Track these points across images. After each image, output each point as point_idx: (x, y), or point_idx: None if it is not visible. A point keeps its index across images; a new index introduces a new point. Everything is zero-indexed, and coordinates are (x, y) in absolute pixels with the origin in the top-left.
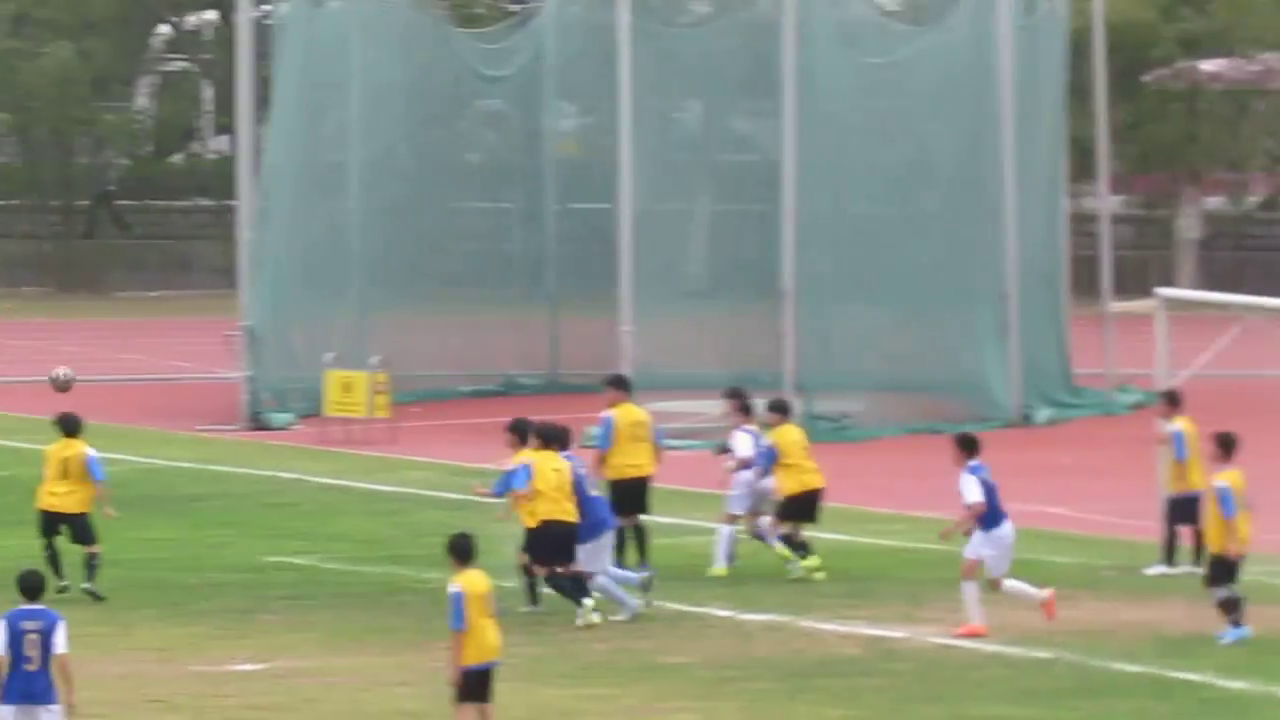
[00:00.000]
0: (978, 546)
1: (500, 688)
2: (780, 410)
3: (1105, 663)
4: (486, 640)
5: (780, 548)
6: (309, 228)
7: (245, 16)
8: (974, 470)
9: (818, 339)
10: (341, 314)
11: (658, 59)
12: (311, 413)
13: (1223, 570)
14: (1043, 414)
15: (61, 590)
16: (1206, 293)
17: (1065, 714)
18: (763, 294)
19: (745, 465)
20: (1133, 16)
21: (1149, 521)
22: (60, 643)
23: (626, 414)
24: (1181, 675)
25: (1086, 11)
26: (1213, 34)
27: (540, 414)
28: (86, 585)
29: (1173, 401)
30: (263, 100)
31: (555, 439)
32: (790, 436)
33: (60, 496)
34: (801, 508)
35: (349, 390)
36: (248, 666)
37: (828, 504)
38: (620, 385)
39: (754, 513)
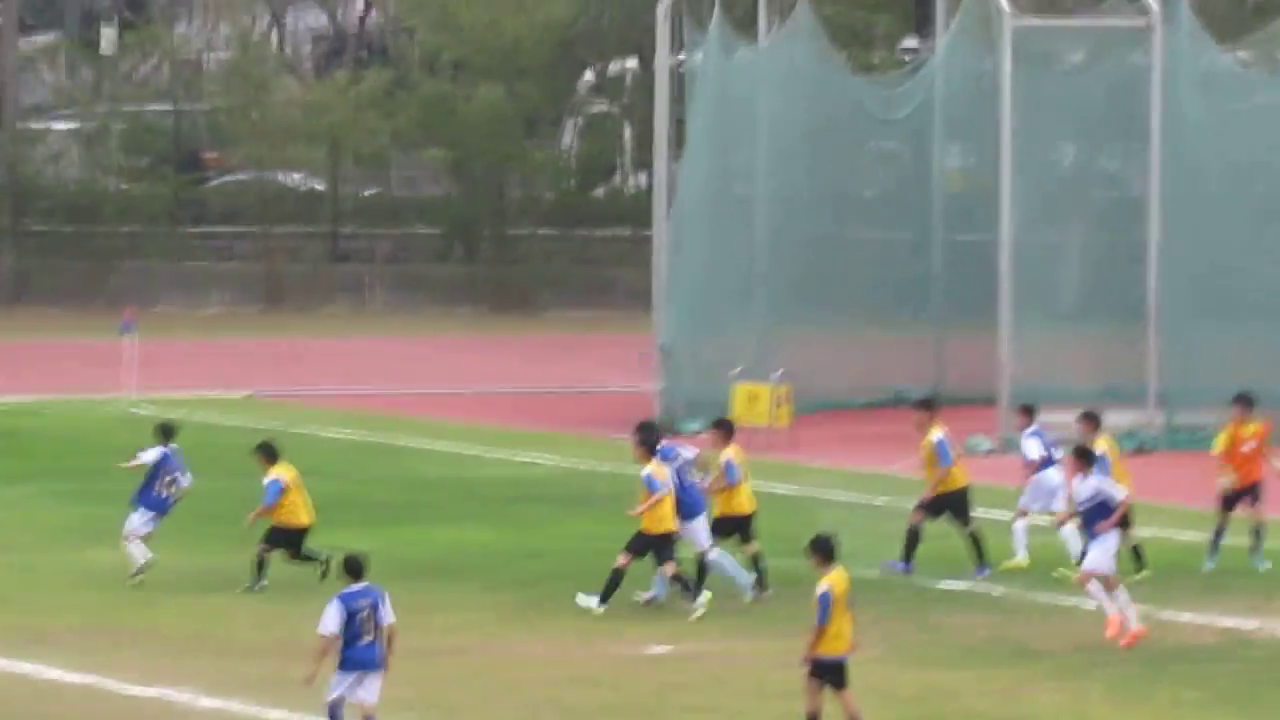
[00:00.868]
0: None
1: (889, 670)
2: (1090, 420)
3: None
4: (844, 634)
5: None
6: (718, 255)
7: (663, 64)
8: None
9: (1178, 356)
10: (747, 332)
11: (1036, 104)
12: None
13: None
14: None
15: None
16: None
17: None
18: (1128, 315)
19: (1043, 464)
20: None
21: None
22: (387, 614)
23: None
24: None
25: None
26: None
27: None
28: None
29: None
30: (677, 140)
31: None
32: (1102, 446)
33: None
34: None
35: (754, 401)
36: (660, 649)
37: (1185, 506)
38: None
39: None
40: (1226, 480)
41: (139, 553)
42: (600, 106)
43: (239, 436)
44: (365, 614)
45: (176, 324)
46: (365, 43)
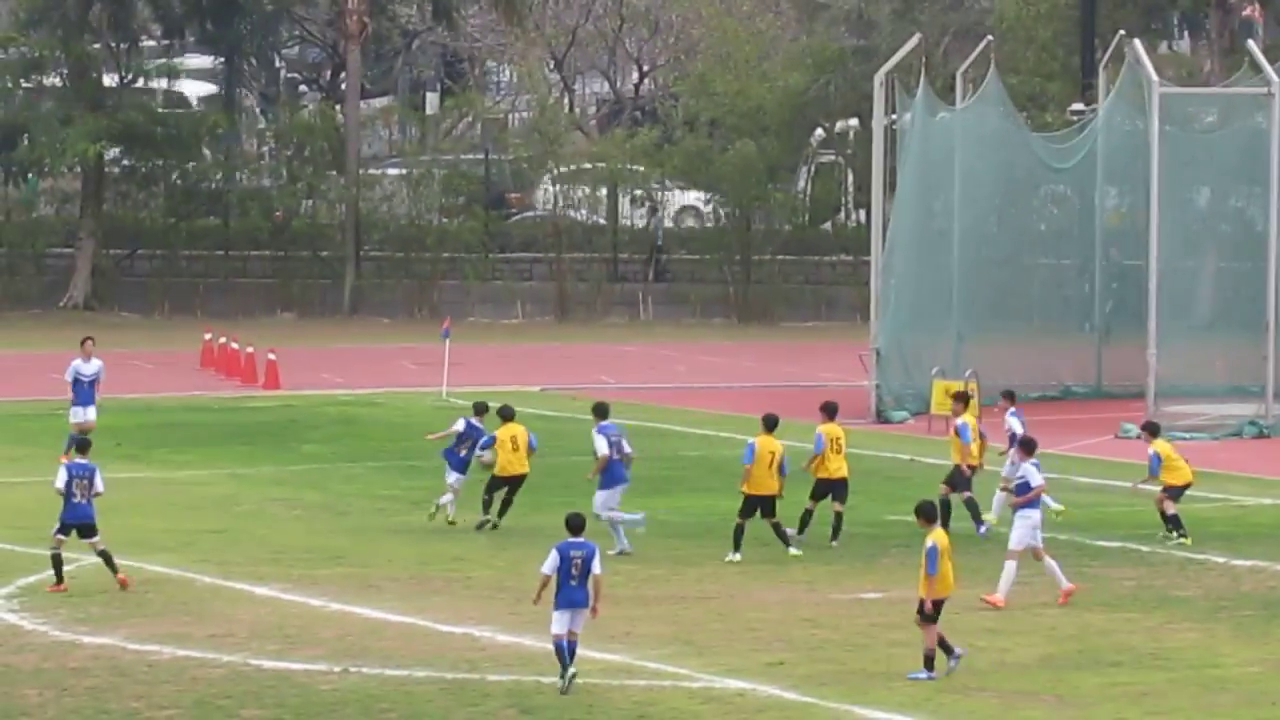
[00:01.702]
0: None
1: (1053, 613)
2: (1151, 430)
3: None
4: (948, 581)
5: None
6: (922, 277)
7: (879, 123)
8: None
9: None
10: (944, 339)
11: (1178, 156)
12: (921, 412)
13: None
14: None
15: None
16: None
17: None
18: (1252, 327)
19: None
20: None
21: None
22: (597, 565)
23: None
24: None
25: None
26: None
27: (1087, 415)
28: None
29: None
30: (890, 185)
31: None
32: (1164, 449)
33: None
34: (1176, 494)
35: (949, 395)
36: (872, 595)
37: None
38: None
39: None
40: None
41: (447, 500)
42: (828, 157)
43: (533, 422)
44: (577, 562)
45: (484, 332)
46: (639, 106)
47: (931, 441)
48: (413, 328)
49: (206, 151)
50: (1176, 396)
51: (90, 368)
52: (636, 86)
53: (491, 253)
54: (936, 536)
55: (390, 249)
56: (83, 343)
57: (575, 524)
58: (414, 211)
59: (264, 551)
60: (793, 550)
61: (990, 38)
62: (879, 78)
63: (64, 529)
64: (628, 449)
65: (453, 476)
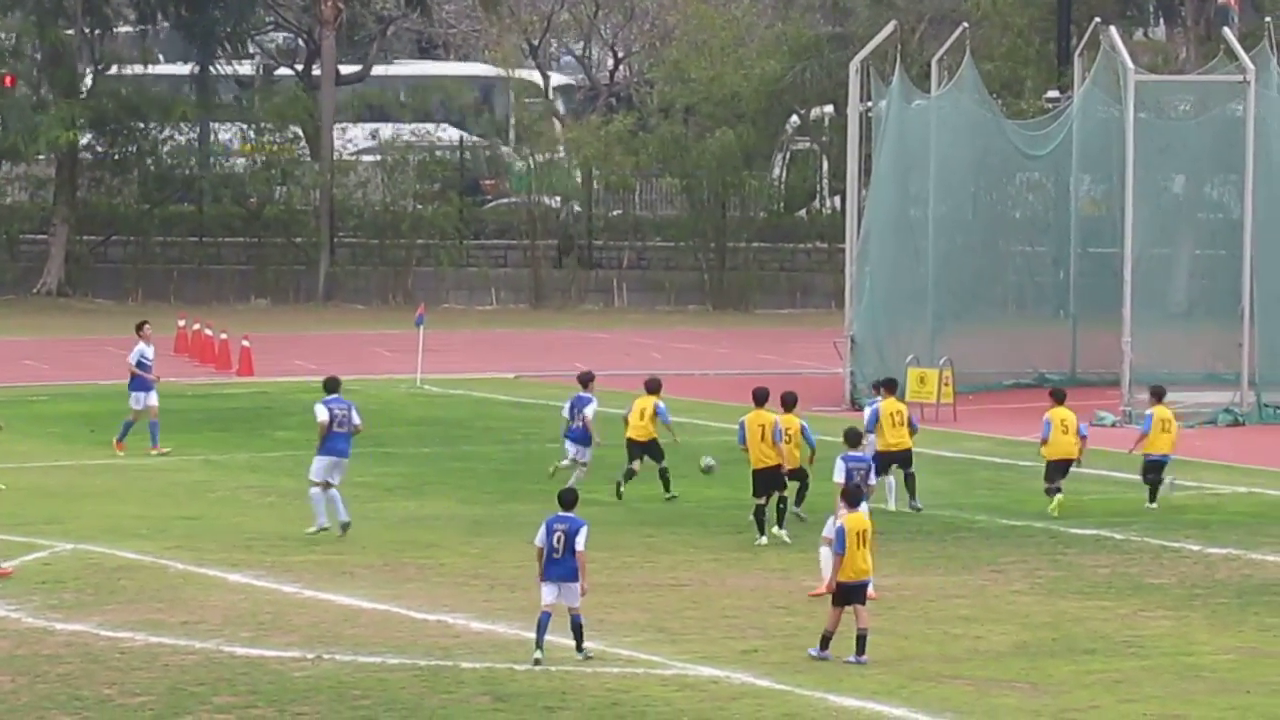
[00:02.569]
0: None
1: (1027, 600)
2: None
3: None
4: (855, 566)
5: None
6: (897, 265)
7: (854, 111)
8: None
9: (1267, 347)
10: (919, 326)
11: (1153, 143)
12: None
13: None
14: None
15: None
16: None
17: None
18: (1227, 314)
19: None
20: None
21: None
22: (580, 543)
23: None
24: None
25: None
26: None
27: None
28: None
29: None
30: (865, 172)
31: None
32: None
33: (639, 430)
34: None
35: (923, 382)
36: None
37: (1270, 468)
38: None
39: None
40: None
41: (577, 475)
42: (803, 144)
43: (508, 409)
44: (559, 535)
45: (459, 319)
46: (614, 93)
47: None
48: (387, 314)
49: (180, 138)
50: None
51: (152, 351)
52: (611, 73)
53: (466, 239)
54: (849, 519)
55: (365, 235)
56: (141, 327)
57: (565, 499)
58: (388, 198)
59: (237, 538)
60: (761, 540)
61: (966, 25)
62: (854, 65)
63: None
64: (356, 421)
65: (574, 449)
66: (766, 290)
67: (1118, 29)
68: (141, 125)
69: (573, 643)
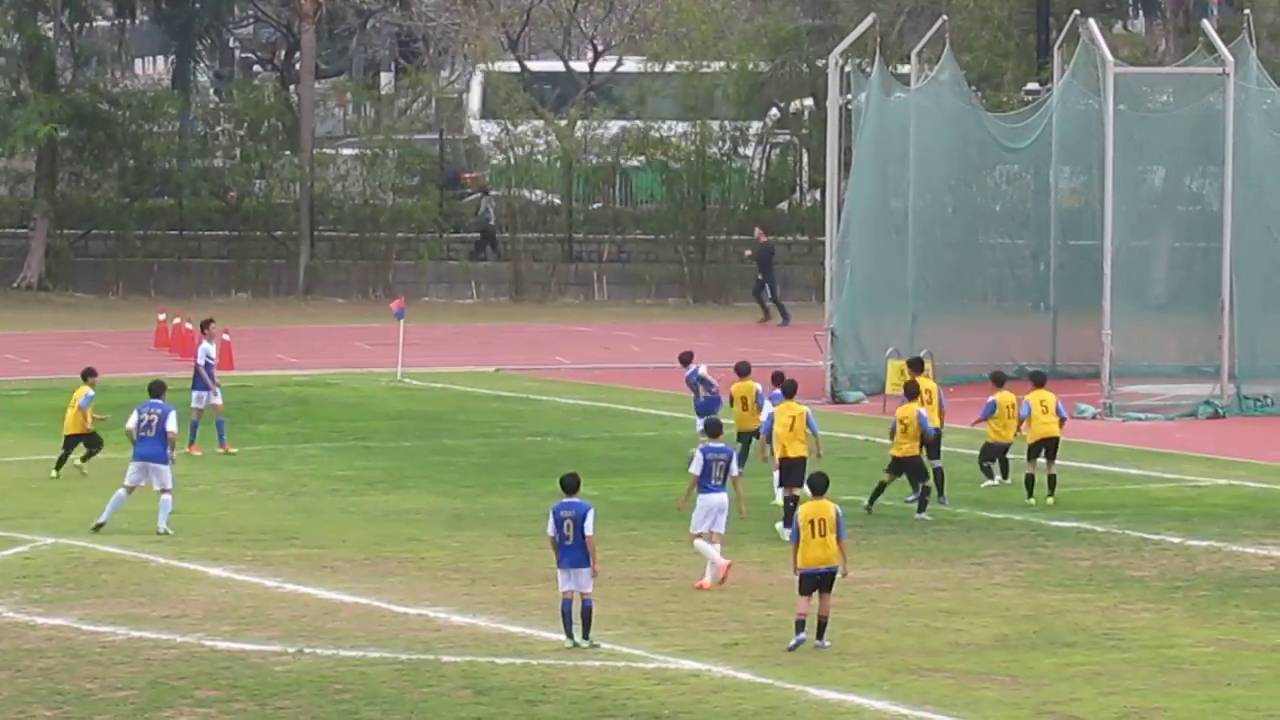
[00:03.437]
0: None
1: (1009, 593)
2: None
3: None
4: (810, 553)
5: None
6: (877, 257)
7: (833, 103)
8: None
9: (1246, 339)
10: (899, 319)
11: (1132, 136)
12: (876, 391)
13: None
14: None
15: None
16: None
17: None
18: (1207, 307)
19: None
20: None
21: None
22: (588, 527)
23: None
24: None
25: None
26: None
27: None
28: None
29: None
30: (845, 164)
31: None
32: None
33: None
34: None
35: (903, 375)
36: None
37: (1250, 460)
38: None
39: None
40: None
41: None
42: (783, 137)
43: (488, 402)
44: (568, 523)
45: (439, 312)
46: (592, 86)
47: (886, 421)
48: (367, 308)
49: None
50: (1131, 376)
51: (214, 350)
52: (590, 65)
53: (446, 232)
54: (807, 508)
55: (344, 229)
56: (207, 325)
57: (568, 484)
58: (368, 191)
59: (218, 532)
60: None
61: (945, 17)
62: (834, 58)
63: None
64: (170, 427)
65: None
66: (746, 283)
67: (1097, 21)
68: (120, 119)
69: (561, 635)
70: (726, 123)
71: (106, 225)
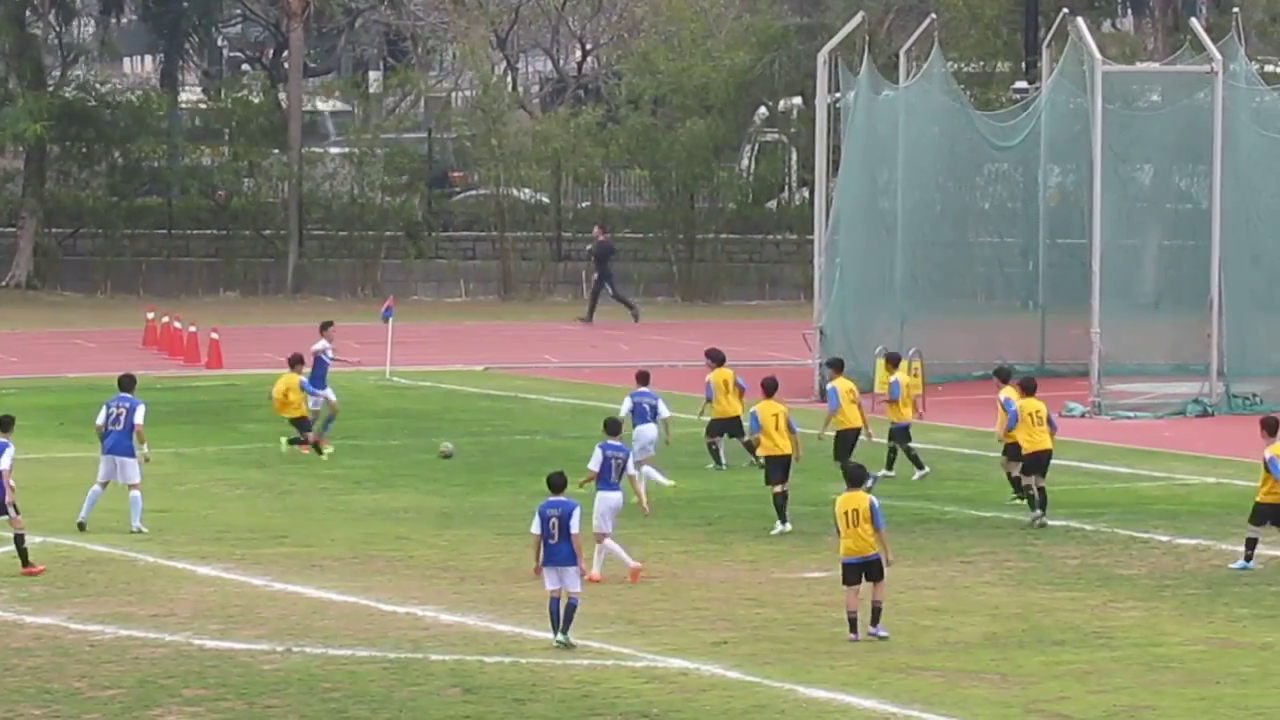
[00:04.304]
0: None
1: (998, 591)
2: (1001, 376)
3: None
4: (845, 543)
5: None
6: (866, 256)
7: (822, 102)
8: None
9: (1235, 338)
10: (888, 317)
11: (1121, 134)
12: (865, 390)
13: None
14: None
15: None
16: None
17: None
18: (1196, 305)
19: None
20: None
21: None
22: (574, 525)
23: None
24: None
25: None
26: None
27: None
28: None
29: None
30: (833, 163)
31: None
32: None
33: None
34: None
35: (888, 372)
36: (815, 574)
37: (1239, 458)
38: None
39: None
40: None
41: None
42: (771, 136)
43: (477, 401)
44: (554, 521)
45: (428, 311)
46: (582, 84)
47: (874, 420)
48: (356, 306)
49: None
50: (1120, 375)
51: (332, 350)
52: (580, 64)
53: (434, 231)
54: (840, 499)
55: (333, 227)
56: (327, 326)
57: (554, 483)
58: (357, 190)
59: (207, 531)
60: (783, 528)
61: (934, 16)
62: (822, 56)
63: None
64: (137, 421)
65: None
66: (735, 282)
67: (1085, 20)
68: (109, 117)
69: (549, 633)
70: (715, 121)
71: (95, 224)
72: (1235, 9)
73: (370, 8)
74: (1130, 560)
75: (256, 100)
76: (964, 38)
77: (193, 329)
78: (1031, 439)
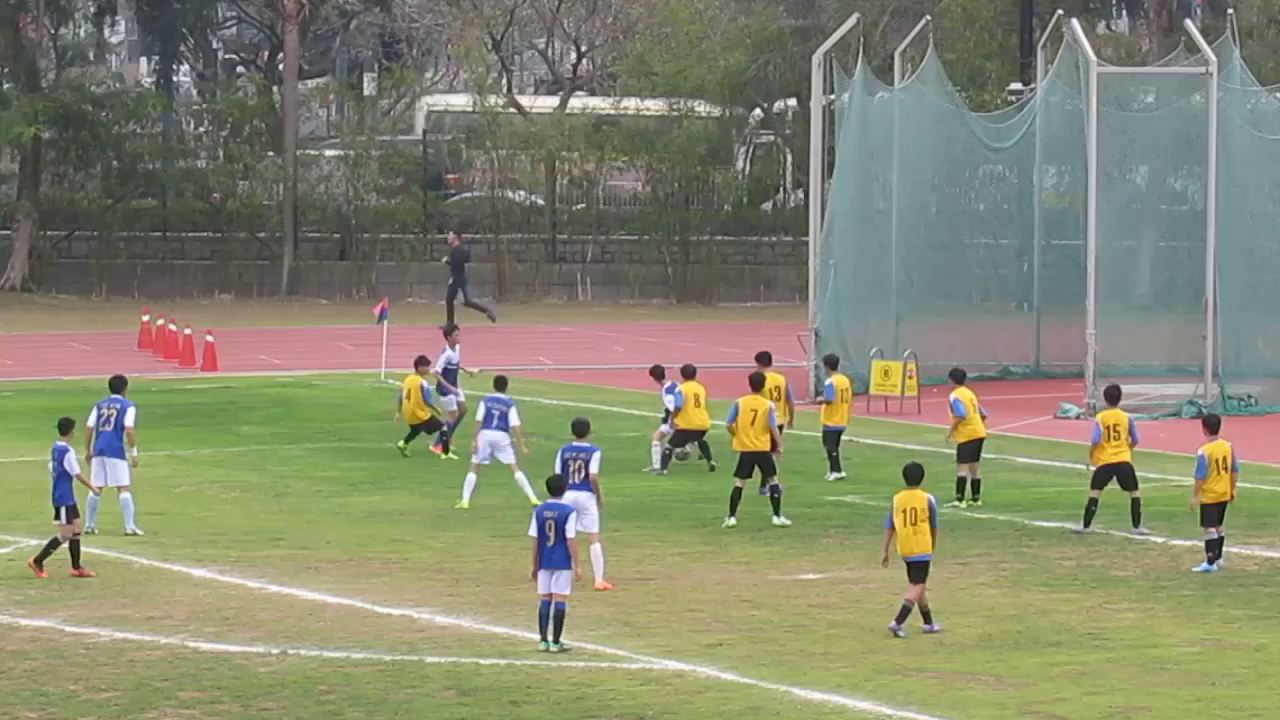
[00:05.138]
0: None
1: (992, 593)
2: (955, 377)
3: None
4: (907, 543)
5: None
6: (861, 257)
7: (817, 103)
8: None
9: (1231, 339)
10: (883, 319)
11: (1116, 136)
12: (860, 392)
13: None
14: None
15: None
16: None
17: None
18: (1191, 306)
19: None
20: None
21: None
22: (569, 530)
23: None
24: None
25: None
26: None
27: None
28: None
29: None
30: (828, 164)
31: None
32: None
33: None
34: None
35: (888, 375)
36: (811, 576)
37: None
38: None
39: None
40: None
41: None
42: (767, 137)
43: (472, 403)
44: (549, 524)
45: (422, 313)
46: (577, 86)
47: (870, 421)
48: (351, 308)
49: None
50: (1115, 376)
51: (457, 356)
52: (574, 66)
53: (429, 233)
54: (897, 498)
55: (328, 230)
56: (451, 333)
57: (553, 486)
58: (351, 192)
59: (202, 533)
60: (730, 521)
61: (929, 17)
62: (817, 57)
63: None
64: (128, 422)
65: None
66: (730, 283)
67: (1080, 21)
68: (104, 120)
69: (532, 636)
70: (711, 123)
71: (90, 226)
72: (1230, 10)
73: (365, 10)
74: (1125, 562)
75: (251, 102)
76: (959, 39)
77: (188, 331)
78: (1111, 453)
